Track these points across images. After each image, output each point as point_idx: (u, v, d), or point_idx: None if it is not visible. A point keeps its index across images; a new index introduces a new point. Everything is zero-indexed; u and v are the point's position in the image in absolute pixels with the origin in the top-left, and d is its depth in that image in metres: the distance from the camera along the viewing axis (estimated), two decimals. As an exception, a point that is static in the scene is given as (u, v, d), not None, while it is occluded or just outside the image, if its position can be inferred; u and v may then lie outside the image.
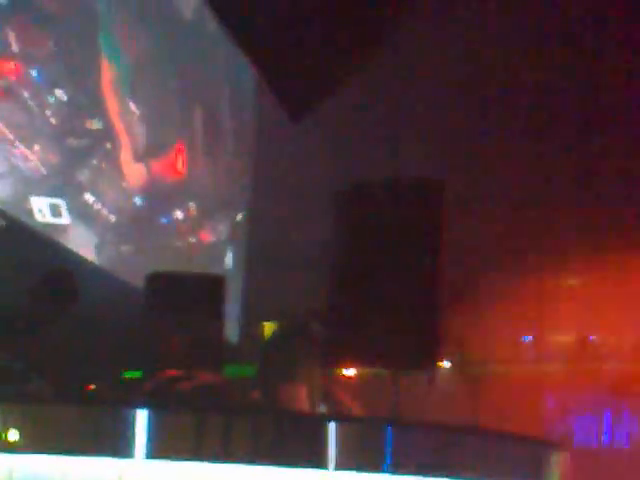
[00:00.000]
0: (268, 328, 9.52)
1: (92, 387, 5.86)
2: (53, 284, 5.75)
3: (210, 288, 6.25)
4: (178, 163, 11.23)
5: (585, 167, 11.22)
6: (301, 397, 5.41)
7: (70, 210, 9.25)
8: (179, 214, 11.37)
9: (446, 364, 9.11)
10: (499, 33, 11.30)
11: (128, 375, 7.09)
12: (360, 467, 4.31)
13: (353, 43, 11.60)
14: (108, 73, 9.94)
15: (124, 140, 10.25)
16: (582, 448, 9.00)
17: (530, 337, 11.31)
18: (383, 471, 4.35)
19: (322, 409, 5.48)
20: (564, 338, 10.77)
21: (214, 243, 12.18)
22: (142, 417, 3.99)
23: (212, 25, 11.47)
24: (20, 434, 3.92)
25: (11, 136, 8.52)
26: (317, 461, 4.19)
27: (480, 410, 8.59)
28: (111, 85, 9.94)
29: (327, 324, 5.74)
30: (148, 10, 10.88)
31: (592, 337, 11.06)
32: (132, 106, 10.37)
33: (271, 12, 10.76)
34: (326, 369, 6.24)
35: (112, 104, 9.93)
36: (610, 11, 10.84)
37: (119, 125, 10.13)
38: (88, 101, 9.71)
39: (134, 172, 10.43)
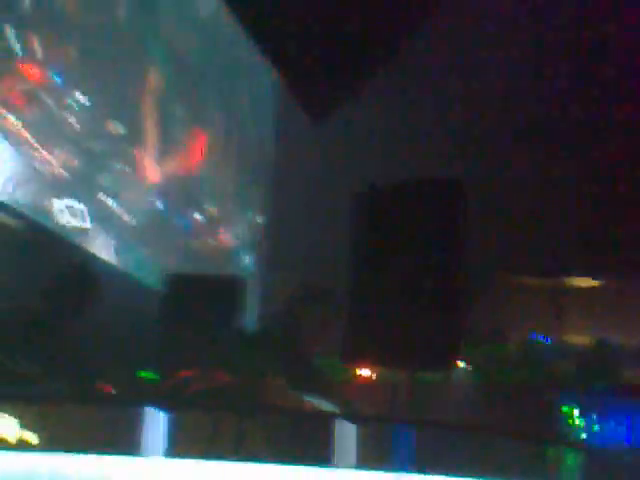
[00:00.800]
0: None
1: (109, 387, 5.92)
2: (73, 283, 5.81)
3: (228, 290, 6.30)
4: (195, 159, 11.29)
5: (600, 168, 11.20)
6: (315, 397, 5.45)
7: (91, 213, 9.31)
8: (198, 216, 11.42)
9: (462, 364, 9.13)
10: (517, 33, 11.30)
11: (145, 375, 7.15)
12: (377, 466, 4.35)
13: (373, 47, 11.64)
14: (152, 77, 10.02)
15: (146, 144, 10.32)
16: (595, 447, 8.98)
17: (545, 336, 11.30)
18: (399, 470, 4.39)
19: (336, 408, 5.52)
20: (580, 338, 10.75)
21: (233, 245, 12.22)
22: (158, 417, 4.05)
23: (234, 28, 11.54)
24: (37, 433, 3.99)
25: (33, 140, 8.59)
26: (328, 459, 4.24)
27: (493, 409, 8.60)
28: (152, 89, 10.03)
29: (343, 322, 5.78)
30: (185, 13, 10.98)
31: (608, 338, 11.04)
32: (154, 107, 10.44)
33: (294, 15, 10.81)
34: (344, 369, 6.28)
35: (148, 108, 10.01)
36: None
37: (144, 129, 10.20)
38: (110, 105, 9.77)
39: (155, 175, 10.50)
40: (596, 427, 9.04)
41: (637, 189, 11.15)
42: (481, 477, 4.65)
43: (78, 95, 9.15)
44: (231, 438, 4.08)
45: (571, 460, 5.19)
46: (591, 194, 11.27)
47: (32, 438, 3.98)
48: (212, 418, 4.12)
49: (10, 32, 8.21)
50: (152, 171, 10.48)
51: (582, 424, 9.01)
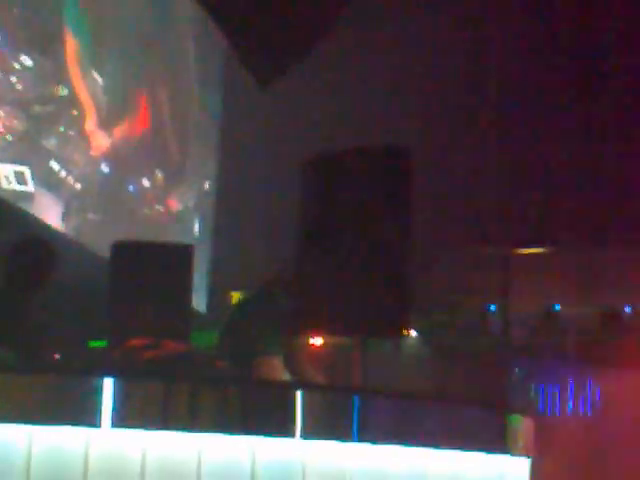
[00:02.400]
0: (235, 297, 9.52)
1: (58, 356, 5.84)
2: (28, 254, 5.69)
3: (177, 257, 6.22)
4: (142, 122, 11.17)
5: (547, 140, 11.27)
6: (271, 369, 5.41)
7: (35, 178, 9.17)
8: (146, 182, 11.31)
9: (413, 332, 9.16)
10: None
11: (94, 344, 7.07)
12: (327, 435, 4.32)
13: (321, 9, 11.54)
14: (72, 43, 9.85)
15: (89, 107, 10.17)
16: (546, 416, 9.08)
17: (495, 306, 11.37)
18: (350, 440, 4.36)
19: (291, 378, 5.48)
20: (529, 308, 10.85)
21: (182, 211, 12.14)
22: (108, 386, 3.97)
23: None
24: (-16, 403, 3.90)
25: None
26: (284, 430, 4.19)
27: (446, 378, 8.64)
28: (75, 55, 9.86)
29: (293, 292, 5.73)
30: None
31: (557, 307, 11.14)
32: (95, 73, 10.29)
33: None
34: (293, 338, 6.24)
35: (75, 73, 9.85)
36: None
37: (84, 92, 10.05)
38: (54, 68, 9.62)
39: (100, 139, 10.37)
40: (545, 394, 9.13)
41: (583, 160, 11.23)
42: (434, 446, 4.64)
43: (22, 57, 8.99)
44: (183, 408, 4.01)
45: (522, 428, 5.20)
46: (539, 165, 11.33)
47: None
48: (164, 387, 4.04)
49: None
50: (98, 135, 10.34)
51: (532, 392, 9.09)
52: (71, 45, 9.79)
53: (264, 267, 7.14)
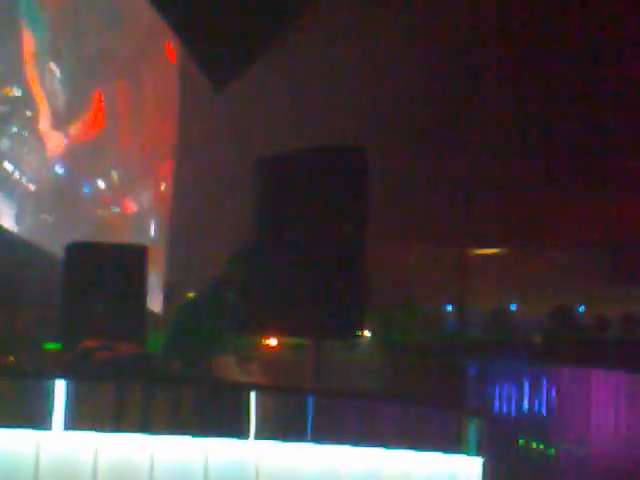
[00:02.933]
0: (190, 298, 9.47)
1: (11, 358, 5.81)
2: None
3: (132, 258, 6.21)
4: (97, 123, 11.11)
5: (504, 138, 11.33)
6: (223, 368, 5.40)
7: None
8: (101, 183, 11.25)
9: (367, 333, 9.18)
10: None
11: (48, 346, 7.03)
12: (281, 436, 4.33)
13: (275, 10, 11.56)
14: (28, 39, 9.78)
15: (43, 107, 10.11)
16: (501, 416, 9.13)
17: (450, 306, 11.44)
18: (304, 440, 4.38)
19: (244, 378, 5.48)
20: (484, 307, 10.91)
21: (137, 213, 12.09)
22: (61, 388, 3.96)
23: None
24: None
25: None
26: (238, 431, 4.20)
27: (400, 379, 8.67)
28: (31, 51, 9.79)
29: (245, 292, 5.73)
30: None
31: (511, 307, 11.23)
32: (51, 71, 10.22)
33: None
34: (247, 339, 6.25)
35: (31, 71, 9.78)
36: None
37: (38, 92, 9.99)
38: (7, 68, 9.54)
39: (54, 139, 10.30)
40: (498, 393, 9.18)
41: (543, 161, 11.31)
42: (388, 446, 4.67)
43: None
44: (136, 410, 4.01)
45: (474, 428, 5.24)
46: (494, 165, 11.39)
47: None
48: (117, 389, 4.04)
49: None
50: (52, 136, 10.28)
51: (485, 390, 9.13)
52: (27, 43, 9.72)
53: (219, 268, 7.12)
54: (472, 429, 5.20)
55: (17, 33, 9.62)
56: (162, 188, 12.71)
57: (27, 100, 9.80)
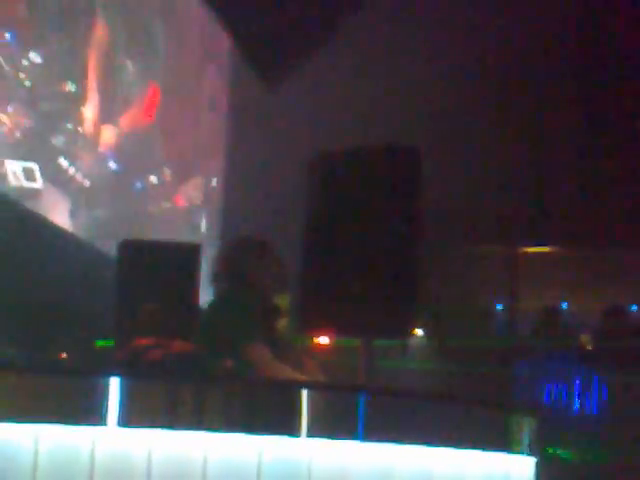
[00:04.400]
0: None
1: (64, 355, 5.85)
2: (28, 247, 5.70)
3: (184, 255, 6.24)
4: (149, 117, 11.19)
5: (560, 136, 11.24)
6: (265, 359, 5.34)
7: (44, 174, 9.19)
8: (153, 179, 11.33)
9: (420, 332, 9.16)
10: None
11: (100, 343, 7.07)
12: (333, 434, 4.33)
13: (329, 11, 11.55)
14: (99, 28, 9.85)
15: (97, 103, 10.19)
16: (553, 415, 9.08)
17: (501, 305, 11.37)
18: (355, 438, 4.37)
19: (290, 373, 5.45)
20: (534, 306, 10.83)
21: (189, 208, 12.16)
22: (114, 385, 3.99)
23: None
24: (-9, 403, 3.92)
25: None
26: (290, 428, 4.20)
27: (453, 378, 8.64)
28: (98, 41, 9.87)
29: (301, 292, 5.72)
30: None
31: (563, 305, 11.13)
32: (108, 65, 10.30)
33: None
34: (298, 336, 6.25)
35: (97, 66, 9.86)
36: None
37: (93, 87, 10.07)
38: (63, 64, 9.63)
39: (108, 136, 10.39)
40: (551, 393, 9.12)
41: (597, 161, 11.20)
42: (440, 445, 4.65)
43: (30, 54, 9.01)
44: (189, 407, 4.02)
45: (527, 427, 5.20)
46: (548, 163, 11.30)
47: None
48: (170, 387, 4.06)
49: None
50: (105, 131, 10.36)
51: (538, 390, 9.08)
52: (104, 33, 9.82)
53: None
54: (525, 428, 5.17)
55: (74, 29, 9.71)
56: (213, 183, 12.76)
57: (81, 96, 9.88)
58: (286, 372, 5.32)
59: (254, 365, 5.24)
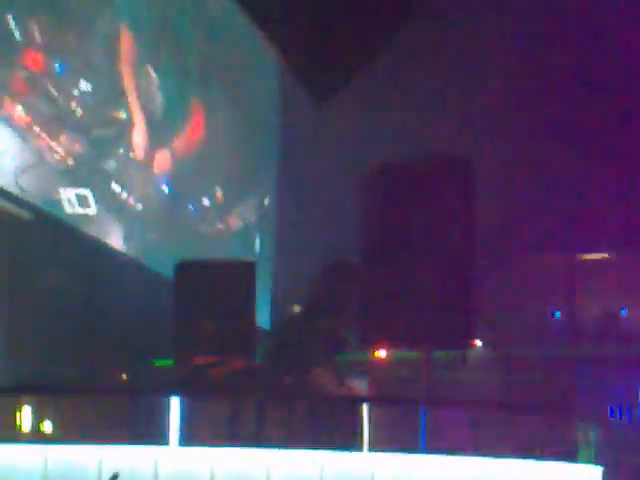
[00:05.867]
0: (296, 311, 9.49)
1: (125, 375, 5.88)
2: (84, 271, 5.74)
3: (240, 274, 6.24)
4: (201, 143, 11.23)
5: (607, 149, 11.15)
6: (329, 381, 5.38)
7: (98, 200, 9.26)
8: (206, 200, 11.37)
9: (479, 343, 9.09)
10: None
11: (160, 363, 7.11)
12: (395, 448, 4.30)
13: (378, 26, 11.56)
14: (128, 43, 9.91)
15: (146, 127, 10.25)
16: (617, 423, 8.97)
17: (560, 313, 11.25)
18: (417, 451, 4.34)
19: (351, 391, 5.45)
20: (595, 313, 10.72)
21: (242, 228, 12.18)
22: (175, 404, 3.99)
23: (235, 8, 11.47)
24: (54, 424, 3.94)
25: (37, 128, 8.53)
26: (351, 443, 4.18)
27: (513, 388, 8.56)
28: (132, 73, 9.94)
29: (359, 306, 5.71)
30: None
31: (624, 312, 10.99)
32: (152, 92, 10.37)
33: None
34: (357, 351, 6.22)
35: (134, 89, 9.93)
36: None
37: (141, 114, 10.14)
38: (113, 91, 9.71)
39: (159, 160, 10.44)
40: (616, 401, 9.01)
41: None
42: (504, 456, 4.60)
43: (81, 82, 9.09)
44: (250, 424, 4.01)
45: (591, 436, 5.13)
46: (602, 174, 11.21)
47: (48, 429, 3.92)
48: (230, 404, 4.05)
49: (11, 19, 8.14)
50: (157, 156, 10.42)
51: (603, 398, 8.97)
52: (127, 44, 9.89)
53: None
54: (591, 437, 5.10)
55: (118, 57, 9.79)
56: (266, 202, 12.79)
57: (131, 122, 9.95)
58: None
59: (323, 388, 5.28)
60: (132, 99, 9.88)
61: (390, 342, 5.84)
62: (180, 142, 10.83)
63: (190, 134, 11.07)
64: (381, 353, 6.77)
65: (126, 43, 9.89)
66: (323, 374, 5.34)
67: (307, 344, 5.42)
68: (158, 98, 10.43)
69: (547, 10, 11.26)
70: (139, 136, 10.05)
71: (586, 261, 11.52)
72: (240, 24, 11.90)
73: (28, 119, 8.40)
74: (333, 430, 4.19)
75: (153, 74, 10.30)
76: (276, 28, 11.23)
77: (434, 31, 11.74)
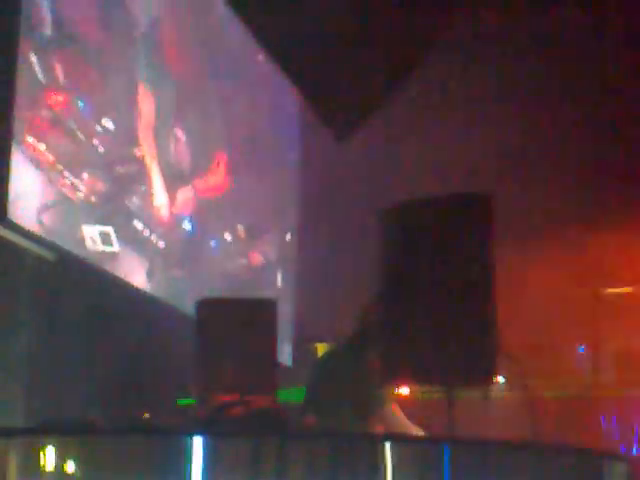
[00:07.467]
0: (321, 349, 9.47)
1: (147, 415, 5.87)
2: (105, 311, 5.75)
3: (261, 312, 6.24)
4: (222, 178, 11.27)
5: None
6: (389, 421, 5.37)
7: (120, 237, 9.28)
8: (228, 236, 11.39)
9: (501, 379, 9.02)
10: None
11: (182, 402, 7.10)
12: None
13: (395, 62, 11.60)
14: (151, 102, 9.98)
15: (169, 166, 10.30)
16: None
17: (585, 347, 11.19)
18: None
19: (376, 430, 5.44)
20: (619, 347, 10.66)
21: (264, 264, 12.19)
22: (198, 444, 3.98)
23: (251, 42, 11.53)
24: (77, 465, 3.93)
25: (60, 166, 8.58)
26: (375, 483, 4.15)
27: (537, 424, 8.47)
28: (154, 113, 9.99)
29: (380, 344, 5.69)
30: (195, 33, 10.98)
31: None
32: (175, 130, 10.42)
33: (314, 34, 10.80)
34: (380, 388, 6.20)
35: (151, 134, 9.98)
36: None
37: (163, 151, 10.19)
38: (135, 129, 9.76)
39: (181, 197, 10.48)
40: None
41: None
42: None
43: (103, 120, 9.14)
44: (273, 464, 4.00)
45: (619, 473, 5.08)
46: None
47: (72, 469, 3.92)
48: (252, 443, 4.04)
49: (34, 59, 8.21)
50: (179, 193, 10.46)
51: (626, 434, 8.89)
52: (150, 104, 9.95)
53: (348, 317, 7.12)
54: (617, 475, 5.05)
55: (141, 95, 9.85)
56: (287, 238, 12.81)
57: (153, 159, 10.00)
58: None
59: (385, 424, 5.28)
60: (150, 143, 9.93)
61: (412, 380, 5.82)
62: (203, 182, 10.88)
63: (213, 175, 11.12)
64: (403, 390, 6.73)
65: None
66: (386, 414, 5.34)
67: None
68: (183, 142, 10.49)
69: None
70: (163, 175, 10.10)
71: (610, 294, 11.47)
72: (258, 61, 11.98)
73: (52, 158, 8.45)
74: (356, 469, 4.17)
75: (178, 125, 10.37)
76: (295, 66, 11.29)
77: (456, 63, 11.78)
